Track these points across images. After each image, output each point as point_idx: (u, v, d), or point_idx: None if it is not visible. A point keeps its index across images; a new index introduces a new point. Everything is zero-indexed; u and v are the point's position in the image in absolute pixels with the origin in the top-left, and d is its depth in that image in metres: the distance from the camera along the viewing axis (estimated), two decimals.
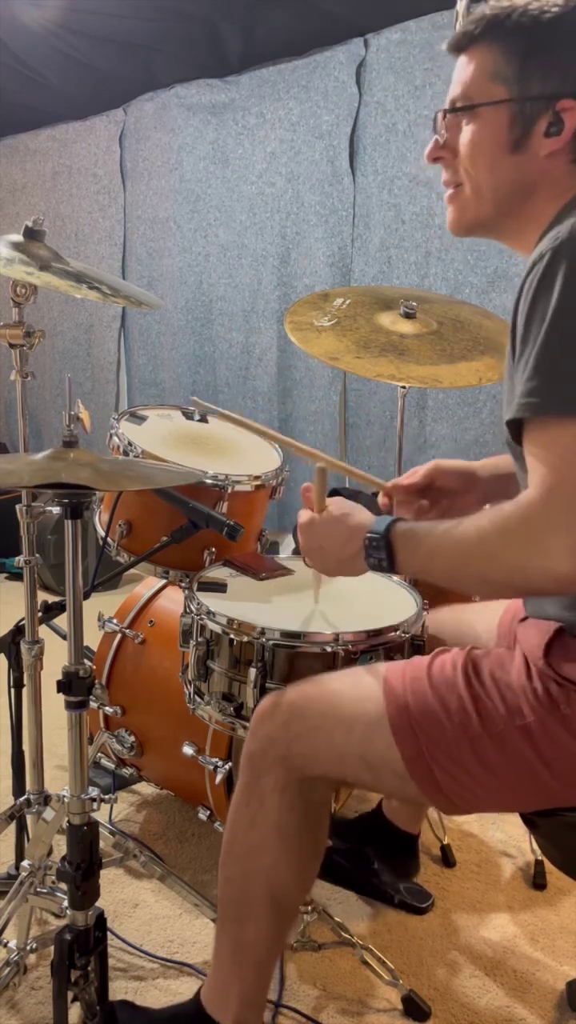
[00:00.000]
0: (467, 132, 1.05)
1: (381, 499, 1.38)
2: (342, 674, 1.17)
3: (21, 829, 1.59)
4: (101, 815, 1.82)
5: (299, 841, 1.14)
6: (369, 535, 1.05)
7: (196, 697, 1.43)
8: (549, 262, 0.91)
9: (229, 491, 1.61)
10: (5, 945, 1.40)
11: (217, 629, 1.36)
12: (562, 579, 0.89)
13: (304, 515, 1.16)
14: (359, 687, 1.11)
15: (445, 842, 1.82)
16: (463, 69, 1.05)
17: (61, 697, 1.16)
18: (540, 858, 1.77)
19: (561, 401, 0.90)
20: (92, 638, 1.57)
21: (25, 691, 1.52)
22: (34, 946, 1.40)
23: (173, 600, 1.84)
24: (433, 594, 1.52)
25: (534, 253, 0.95)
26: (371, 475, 1.40)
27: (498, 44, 1.00)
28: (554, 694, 1.00)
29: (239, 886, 1.15)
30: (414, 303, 1.86)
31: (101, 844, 1.24)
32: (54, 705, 1.25)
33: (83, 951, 1.16)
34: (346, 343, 1.75)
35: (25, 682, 1.52)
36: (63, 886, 1.22)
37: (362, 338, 1.77)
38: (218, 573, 1.58)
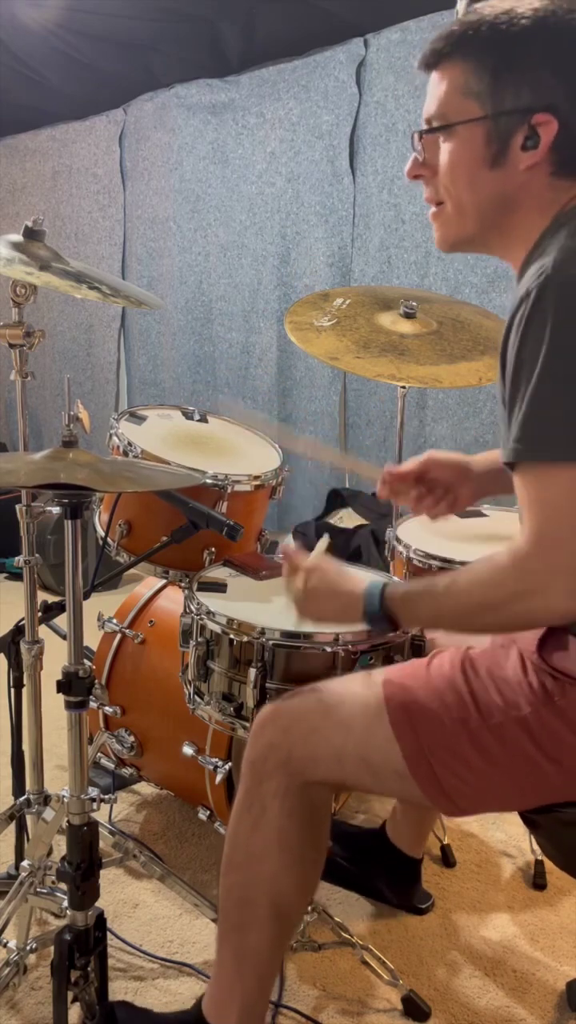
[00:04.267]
0: (445, 150, 1.04)
1: (379, 489, 1.40)
2: (341, 679, 1.18)
3: (21, 829, 1.59)
4: (101, 815, 1.82)
5: (300, 847, 1.14)
6: (366, 611, 1.07)
7: (196, 697, 1.43)
8: (535, 301, 0.91)
9: (229, 491, 1.61)
10: (5, 945, 1.40)
11: (217, 629, 1.36)
12: (567, 613, 0.94)
13: (291, 584, 1.16)
14: (359, 689, 1.12)
15: (445, 842, 1.82)
16: (436, 86, 1.03)
17: (61, 697, 1.16)
18: (540, 858, 1.77)
19: (552, 447, 0.91)
20: (92, 638, 1.57)
21: (25, 691, 1.52)
22: (34, 946, 1.40)
23: (173, 600, 1.84)
24: None
25: (520, 288, 0.95)
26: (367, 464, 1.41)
27: (468, 60, 0.99)
28: (549, 687, 1.02)
29: (241, 894, 1.15)
30: (414, 303, 1.86)
31: (101, 844, 1.24)
32: (54, 705, 1.25)
33: (83, 951, 1.16)
34: (346, 343, 1.74)
35: (25, 682, 1.52)
36: (63, 886, 1.22)
37: (362, 338, 1.77)
38: (218, 573, 1.58)
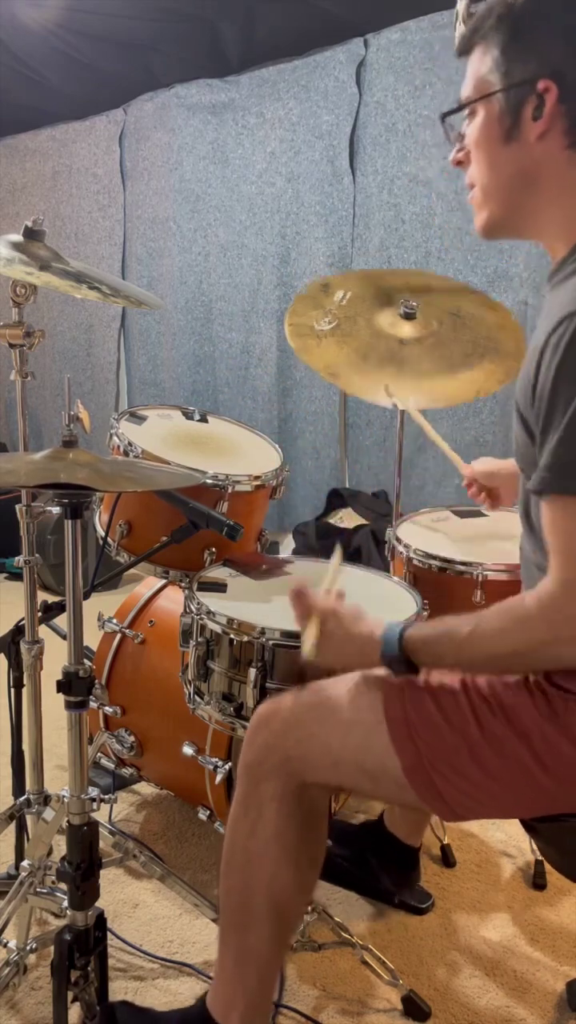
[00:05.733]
0: (469, 132, 1.06)
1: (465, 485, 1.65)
2: (339, 680, 1.16)
3: (21, 829, 1.59)
4: (101, 815, 1.82)
5: (298, 848, 1.13)
6: (384, 656, 1.06)
7: (196, 697, 1.43)
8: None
9: (229, 491, 1.61)
10: (5, 945, 1.40)
11: (217, 629, 1.36)
12: None
13: (306, 640, 1.12)
14: (357, 694, 1.11)
15: (445, 842, 1.82)
16: (467, 73, 1.06)
17: (61, 697, 1.16)
18: (540, 858, 1.77)
19: None
20: (92, 638, 1.57)
21: (25, 691, 1.52)
22: (34, 946, 1.40)
23: (173, 600, 1.84)
24: (433, 601, 1.52)
25: (562, 306, 0.94)
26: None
27: (486, 40, 1.01)
28: (553, 702, 1.01)
29: (240, 895, 1.15)
30: (414, 303, 1.85)
31: (101, 844, 1.24)
32: (54, 705, 1.25)
33: (83, 951, 1.16)
34: (346, 352, 1.74)
35: (25, 682, 1.52)
36: (63, 886, 1.22)
37: (362, 345, 1.76)
38: (218, 573, 1.58)
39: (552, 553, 0.94)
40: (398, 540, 1.74)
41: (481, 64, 1.02)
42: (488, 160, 1.04)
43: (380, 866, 1.60)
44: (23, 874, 1.40)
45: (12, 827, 1.59)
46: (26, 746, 1.53)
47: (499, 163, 1.03)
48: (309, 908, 1.52)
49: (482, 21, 1.01)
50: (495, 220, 1.08)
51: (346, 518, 3.48)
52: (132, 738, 1.77)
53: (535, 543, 1.06)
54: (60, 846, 1.42)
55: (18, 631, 1.51)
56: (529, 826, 1.12)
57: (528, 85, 0.98)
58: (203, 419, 1.90)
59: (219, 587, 1.50)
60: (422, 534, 1.77)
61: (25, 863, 1.41)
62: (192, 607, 1.41)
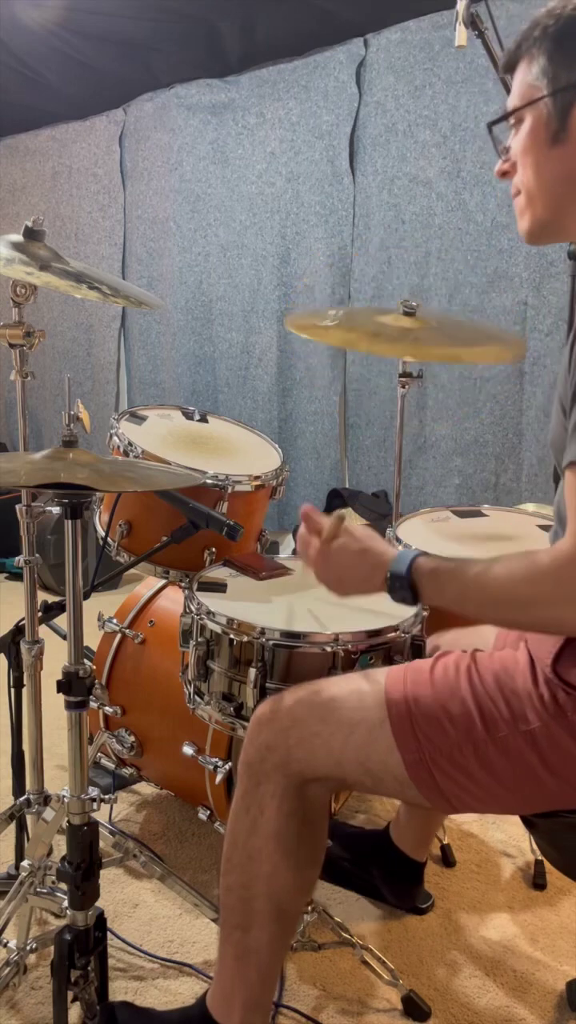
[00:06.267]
0: (516, 141, 1.08)
1: None
2: (340, 679, 1.16)
3: (21, 829, 1.59)
4: (101, 815, 1.82)
5: (299, 847, 1.13)
6: (391, 574, 1.04)
7: (196, 697, 1.43)
8: None
9: (229, 491, 1.61)
10: (5, 945, 1.40)
11: (217, 629, 1.36)
12: None
13: (313, 544, 1.12)
14: (359, 692, 1.11)
15: (445, 842, 1.82)
16: (513, 85, 1.08)
17: (61, 697, 1.16)
18: (540, 858, 1.77)
19: None
20: (92, 638, 1.57)
21: (25, 691, 1.52)
22: (34, 946, 1.40)
23: (173, 600, 1.84)
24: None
25: None
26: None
27: (531, 52, 1.04)
28: (561, 701, 1.00)
29: (240, 894, 1.15)
30: (413, 303, 1.85)
31: (101, 844, 1.24)
32: (54, 705, 1.25)
33: (83, 951, 1.16)
34: (357, 334, 1.74)
35: (25, 682, 1.52)
36: (63, 886, 1.22)
37: (370, 332, 1.76)
38: (218, 573, 1.58)
39: (570, 519, 0.94)
40: (398, 540, 1.74)
41: (527, 74, 1.04)
42: (535, 163, 1.05)
43: (384, 879, 1.59)
44: (23, 874, 1.40)
45: (12, 827, 1.59)
46: (26, 746, 1.53)
47: (546, 165, 1.04)
48: (309, 908, 1.52)
49: (527, 36, 1.04)
50: (540, 222, 1.08)
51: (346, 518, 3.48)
52: (132, 738, 1.77)
53: None
54: (60, 846, 1.42)
55: (18, 631, 1.51)
56: (528, 822, 1.12)
57: (573, 88, 1.00)
58: (203, 419, 1.90)
59: (219, 587, 1.50)
60: (422, 534, 1.77)
61: (25, 863, 1.41)
62: (192, 607, 1.41)
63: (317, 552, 1.11)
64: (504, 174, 1.11)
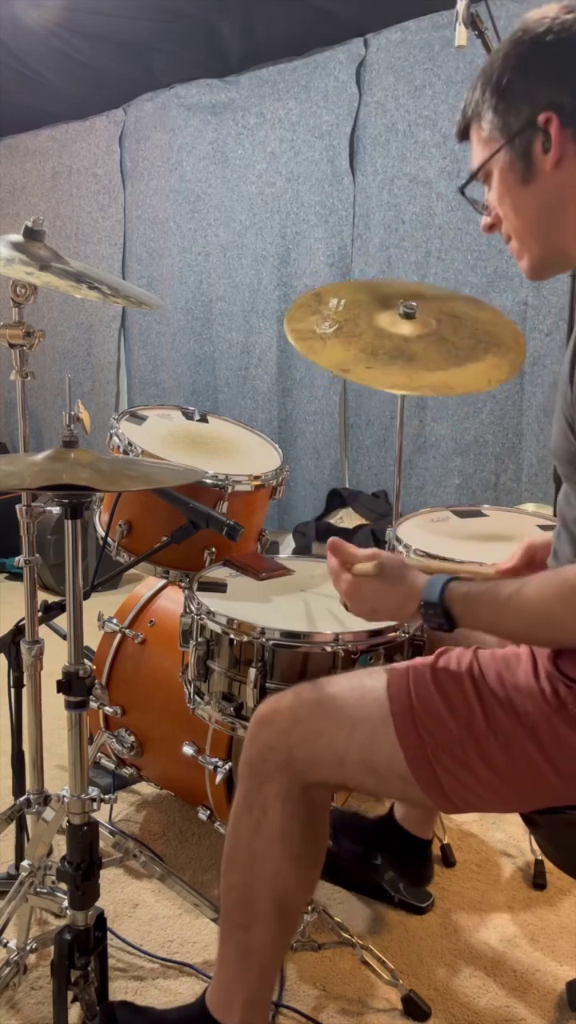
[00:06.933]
0: (491, 194, 1.11)
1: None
2: (342, 677, 1.16)
3: (21, 829, 1.59)
4: (101, 815, 1.82)
5: (302, 847, 1.13)
6: (424, 602, 1.04)
7: (196, 697, 1.43)
8: None
9: (229, 491, 1.61)
10: (5, 945, 1.40)
11: (217, 629, 1.36)
12: None
13: (344, 578, 1.12)
14: (361, 690, 1.11)
15: (445, 842, 1.82)
16: (472, 150, 1.12)
17: (61, 697, 1.16)
18: (540, 858, 1.77)
19: None
20: (92, 638, 1.57)
21: (25, 691, 1.52)
22: (34, 946, 1.40)
23: (173, 600, 1.84)
24: None
25: None
26: (468, 564, 1.42)
27: (479, 113, 1.08)
28: (562, 695, 1.01)
29: (243, 893, 1.15)
30: (413, 303, 1.86)
31: (101, 844, 1.24)
32: (54, 705, 1.25)
33: (83, 951, 1.16)
34: (353, 351, 1.74)
35: (25, 682, 1.52)
36: (63, 886, 1.22)
37: (368, 344, 1.76)
38: (218, 573, 1.58)
39: None
40: (398, 540, 1.74)
41: (481, 132, 1.08)
42: (515, 205, 1.07)
43: (390, 864, 1.59)
44: (23, 874, 1.40)
45: (12, 827, 1.59)
46: (26, 746, 1.53)
47: (526, 204, 1.07)
48: (309, 908, 1.52)
49: (470, 102, 1.08)
50: (538, 258, 1.10)
51: (346, 518, 3.49)
52: (132, 738, 1.77)
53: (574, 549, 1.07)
54: (60, 846, 1.42)
55: (18, 631, 1.51)
56: (529, 819, 1.12)
57: (529, 129, 1.02)
58: (203, 419, 1.90)
59: (219, 587, 1.50)
60: (422, 534, 1.77)
61: (25, 863, 1.41)
62: (192, 607, 1.41)
63: (349, 584, 1.12)
64: (491, 227, 1.14)
